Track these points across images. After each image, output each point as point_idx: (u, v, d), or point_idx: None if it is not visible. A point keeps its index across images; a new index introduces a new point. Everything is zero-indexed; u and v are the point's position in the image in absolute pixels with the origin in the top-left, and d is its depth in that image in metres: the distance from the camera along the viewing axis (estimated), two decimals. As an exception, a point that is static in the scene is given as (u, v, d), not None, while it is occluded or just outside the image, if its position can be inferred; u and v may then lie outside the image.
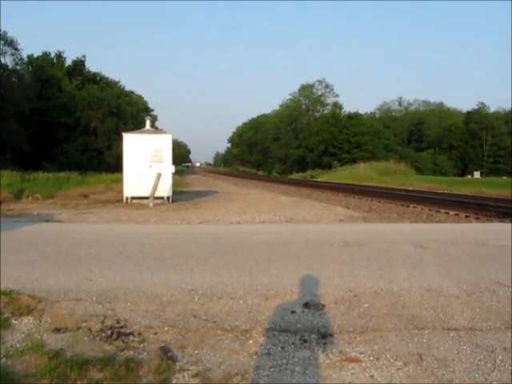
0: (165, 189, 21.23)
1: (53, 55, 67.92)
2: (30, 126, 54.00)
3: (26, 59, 60.64)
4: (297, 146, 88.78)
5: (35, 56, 65.07)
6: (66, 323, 5.30)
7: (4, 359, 4.51)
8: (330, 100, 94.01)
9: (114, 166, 45.15)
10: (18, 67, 56.67)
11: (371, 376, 4.35)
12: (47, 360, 4.42)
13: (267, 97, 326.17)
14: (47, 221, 14.05)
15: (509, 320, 5.58)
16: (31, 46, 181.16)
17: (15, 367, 4.36)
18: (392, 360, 4.63)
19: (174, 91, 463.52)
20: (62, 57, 68.72)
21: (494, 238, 10.26)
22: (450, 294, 6.18)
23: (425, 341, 5.05)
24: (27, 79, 57.37)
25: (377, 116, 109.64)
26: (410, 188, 35.29)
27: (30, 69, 61.66)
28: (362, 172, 59.84)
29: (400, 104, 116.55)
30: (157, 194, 20.61)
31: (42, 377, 4.17)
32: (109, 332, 5.10)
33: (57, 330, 5.14)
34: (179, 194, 26.44)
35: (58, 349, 4.70)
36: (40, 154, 52.99)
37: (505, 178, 64.18)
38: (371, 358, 4.67)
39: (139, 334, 5.11)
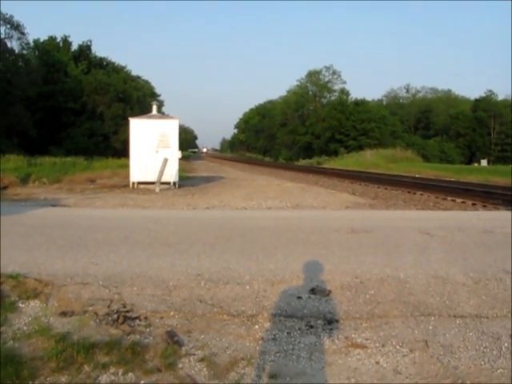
0: (171, 174, 21.20)
1: (59, 39, 67.76)
2: (36, 111, 53.96)
3: (32, 43, 60.51)
4: (304, 133, 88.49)
5: (41, 40, 64.93)
6: (72, 307, 5.32)
7: (11, 342, 4.53)
8: (338, 86, 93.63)
9: (121, 151, 45.10)
10: (24, 51, 56.48)
11: (377, 362, 4.36)
12: (54, 343, 4.45)
13: (274, 83, 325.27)
14: (54, 205, 14.07)
15: (515, 308, 5.58)
16: (37, 30, 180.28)
17: (22, 350, 4.39)
18: (398, 346, 4.64)
19: (182, 76, 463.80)
20: (68, 41, 68.46)
21: (500, 226, 10.23)
22: (457, 281, 6.17)
23: (431, 328, 5.05)
24: (33, 64, 57.22)
25: (384, 103, 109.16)
26: (417, 175, 35.14)
27: (36, 53, 61.54)
28: (369, 159, 59.61)
29: (407, 91, 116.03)
30: (163, 180, 20.60)
31: (48, 360, 4.19)
32: (115, 316, 5.12)
33: (63, 314, 5.16)
34: (185, 180, 26.44)
35: (65, 332, 4.73)
36: (47, 139, 52.97)
37: (512, 166, 64.00)
38: (377, 345, 4.68)
39: (145, 318, 5.12)
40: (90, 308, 5.29)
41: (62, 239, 8.18)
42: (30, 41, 59.10)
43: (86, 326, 4.90)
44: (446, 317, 5.34)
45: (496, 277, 6.31)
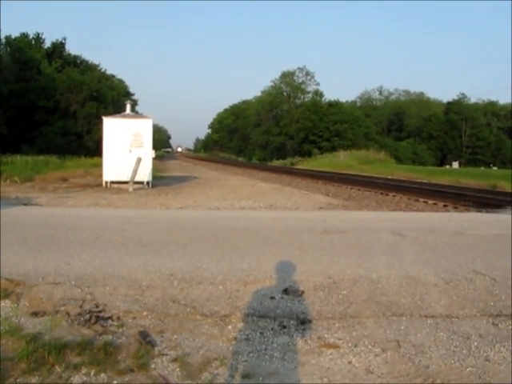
0: (145, 173, 21.11)
1: (31, 36, 66.78)
2: (8, 109, 53.12)
3: (3, 40, 59.62)
4: (277, 133, 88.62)
5: (13, 37, 63.90)
6: (44, 307, 5.26)
7: (-19, 342, 4.47)
8: (311, 88, 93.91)
9: (94, 150, 44.62)
10: (-5, 48, 55.72)
11: (349, 362, 4.39)
12: (25, 344, 4.39)
13: (249, 83, 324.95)
14: (25, 204, 13.92)
15: (484, 308, 5.67)
16: (9, 27, 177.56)
17: (-8, 351, 4.33)
18: (370, 346, 4.67)
19: (156, 76, 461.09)
20: (41, 38, 67.58)
21: (471, 228, 10.38)
22: (428, 281, 6.25)
23: (402, 327, 5.10)
24: (5, 60, 56.38)
25: (357, 104, 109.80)
26: (390, 177, 35.42)
27: (8, 50, 60.61)
28: (342, 160, 59.90)
29: (381, 93, 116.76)
30: (136, 179, 20.49)
31: (19, 361, 4.13)
32: (87, 316, 5.08)
33: (35, 314, 5.11)
34: (159, 179, 26.33)
35: (36, 333, 4.67)
36: (18, 137, 52.19)
37: (482, 168, 64.96)
38: (349, 344, 4.71)
39: (118, 318, 5.09)
40: (62, 308, 5.25)
41: (34, 238, 8.10)
42: (2, 37, 58.30)
43: (57, 327, 4.85)
44: (417, 317, 5.40)
45: (466, 277, 6.41)
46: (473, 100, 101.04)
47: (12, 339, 4.53)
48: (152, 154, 21.75)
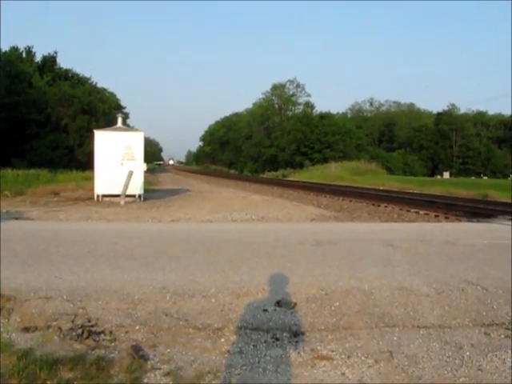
0: (136, 187, 21.06)
1: (22, 50, 66.81)
2: (-2, 122, 53.08)
3: (-7, 54, 59.60)
4: (269, 145, 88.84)
5: (3, 51, 63.82)
6: (35, 322, 5.23)
7: (-28, 359, 4.43)
8: (302, 100, 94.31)
9: (86, 163, 44.56)
10: (-15, 62, 55.61)
11: (342, 373, 4.38)
12: (16, 360, 4.36)
13: (240, 96, 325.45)
14: (16, 218, 13.85)
15: (476, 317, 5.68)
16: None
17: (-17, 367, 4.30)
18: (363, 358, 4.67)
19: (147, 89, 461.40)
20: (32, 52, 67.63)
21: (462, 238, 10.42)
22: (420, 292, 6.25)
23: (395, 338, 5.11)
24: (-4, 74, 56.36)
25: (348, 116, 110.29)
26: (381, 187, 35.54)
27: (-1, 64, 60.56)
28: (334, 171, 60.14)
29: (371, 104, 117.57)
30: (128, 192, 20.43)
31: (10, 377, 4.10)
32: (79, 331, 5.05)
33: (26, 329, 5.08)
34: (151, 192, 26.27)
35: (28, 348, 4.64)
36: (9, 151, 51.95)
37: (473, 178, 65.34)
38: (342, 356, 4.70)
39: (110, 332, 5.07)
40: (54, 323, 5.22)
41: (25, 253, 8.05)
42: (-8, 51, 58.28)
43: (49, 342, 4.82)
44: (410, 327, 5.41)
45: (458, 287, 6.42)
46: (462, 110, 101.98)
47: (3, 355, 4.50)
48: (143, 167, 21.73)
